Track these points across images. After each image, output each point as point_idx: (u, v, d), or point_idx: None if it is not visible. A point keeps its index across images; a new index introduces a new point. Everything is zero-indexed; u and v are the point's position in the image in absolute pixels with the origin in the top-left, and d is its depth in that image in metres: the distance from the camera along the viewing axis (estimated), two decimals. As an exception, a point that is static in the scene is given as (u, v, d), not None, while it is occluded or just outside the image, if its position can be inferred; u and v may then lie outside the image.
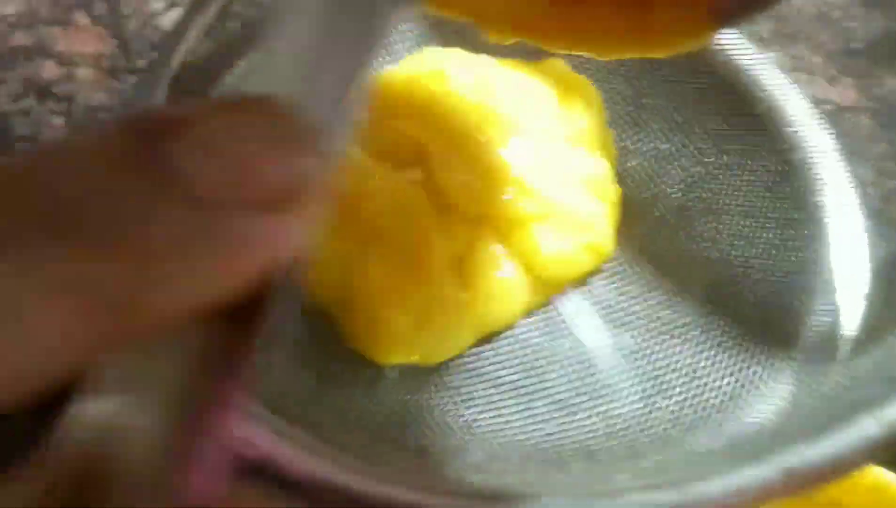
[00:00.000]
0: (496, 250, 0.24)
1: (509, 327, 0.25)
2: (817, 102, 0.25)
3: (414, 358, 0.24)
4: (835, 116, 0.25)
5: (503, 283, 0.24)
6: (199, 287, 0.08)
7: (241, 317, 0.09)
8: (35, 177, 0.08)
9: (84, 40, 0.34)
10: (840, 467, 0.13)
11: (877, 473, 0.21)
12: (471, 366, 0.24)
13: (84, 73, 0.33)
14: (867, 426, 0.13)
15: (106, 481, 0.08)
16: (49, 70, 0.33)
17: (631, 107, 0.28)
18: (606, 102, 0.28)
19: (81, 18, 0.34)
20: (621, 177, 0.28)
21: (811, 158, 0.25)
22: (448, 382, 0.24)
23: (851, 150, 0.25)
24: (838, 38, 0.27)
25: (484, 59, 0.28)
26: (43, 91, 0.33)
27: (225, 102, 0.10)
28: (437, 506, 0.15)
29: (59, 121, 0.32)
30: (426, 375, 0.24)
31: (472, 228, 0.24)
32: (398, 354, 0.24)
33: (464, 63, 0.28)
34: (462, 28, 0.30)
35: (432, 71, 0.28)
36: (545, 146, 0.26)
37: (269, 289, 0.09)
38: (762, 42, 0.26)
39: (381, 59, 0.30)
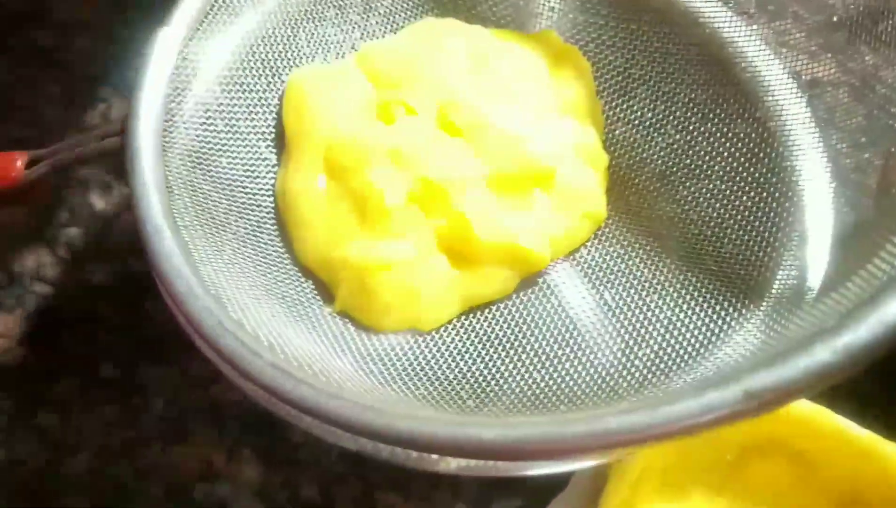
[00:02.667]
0: (494, 231, 0.25)
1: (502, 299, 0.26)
2: (797, 76, 0.26)
3: (406, 326, 0.25)
4: (814, 89, 0.26)
5: (495, 270, 0.26)
6: None
7: None
8: None
9: (82, 7, 0.34)
10: (796, 388, 0.14)
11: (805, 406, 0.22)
12: (462, 325, 0.26)
13: (81, 41, 0.34)
14: (819, 353, 0.14)
15: None
16: (46, 38, 0.34)
17: (619, 77, 0.30)
18: (596, 72, 0.30)
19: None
20: (608, 144, 0.29)
21: (787, 126, 0.26)
22: (440, 338, 0.25)
23: (827, 121, 0.27)
24: (820, 12, 0.28)
25: (478, 29, 0.30)
26: (42, 59, 0.33)
27: None
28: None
29: (56, 89, 0.33)
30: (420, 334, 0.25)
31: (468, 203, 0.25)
32: (390, 323, 0.25)
33: (459, 33, 0.29)
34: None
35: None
36: (538, 114, 0.27)
37: None
38: (749, 16, 0.27)
39: (380, 27, 0.31)
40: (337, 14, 0.30)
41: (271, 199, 0.28)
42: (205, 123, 0.26)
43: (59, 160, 0.26)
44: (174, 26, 0.25)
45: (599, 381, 0.23)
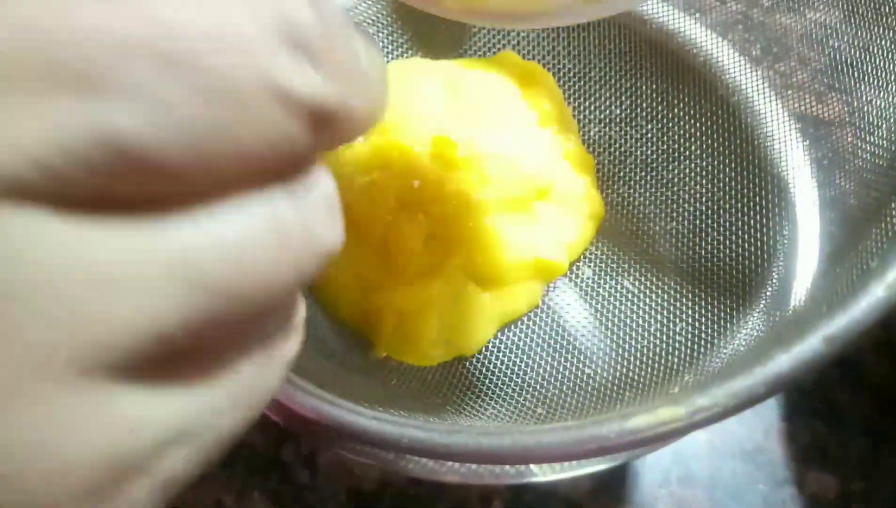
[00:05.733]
0: (514, 252, 0.27)
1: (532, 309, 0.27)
2: (802, 116, 0.28)
3: (451, 356, 0.26)
4: (819, 128, 0.28)
5: (522, 286, 0.27)
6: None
7: None
8: None
9: None
10: (864, 327, 0.16)
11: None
12: (501, 341, 0.27)
13: None
14: (875, 290, 0.17)
15: None
16: None
17: (580, 82, 0.32)
18: (558, 81, 0.32)
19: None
20: (587, 145, 0.31)
21: (749, 98, 0.29)
22: (486, 359, 0.27)
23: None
24: (824, 55, 0.29)
25: (445, 63, 0.31)
26: None
27: None
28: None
29: None
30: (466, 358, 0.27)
31: (485, 231, 0.27)
32: (436, 356, 0.26)
33: (429, 70, 0.31)
34: (415, 36, 0.33)
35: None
36: (524, 132, 0.29)
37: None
38: (754, 60, 0.29)
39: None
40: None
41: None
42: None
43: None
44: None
45: (646, 366, 0.25)
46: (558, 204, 0.28)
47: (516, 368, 0.26)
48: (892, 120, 0.26)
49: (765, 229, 0.27)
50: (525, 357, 0.27)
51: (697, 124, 0.29)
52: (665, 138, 0.30)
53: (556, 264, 0.27)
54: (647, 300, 0.27)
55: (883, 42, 0.27)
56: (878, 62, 0.27)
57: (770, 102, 0.29)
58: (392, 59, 0.32)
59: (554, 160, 0.29)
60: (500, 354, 0.27)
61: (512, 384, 0.26)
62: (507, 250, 0.27)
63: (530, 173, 0.28)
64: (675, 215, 0.29)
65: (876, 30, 0.28)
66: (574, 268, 0.29)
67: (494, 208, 0.27)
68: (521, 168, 0.28)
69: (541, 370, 0.26)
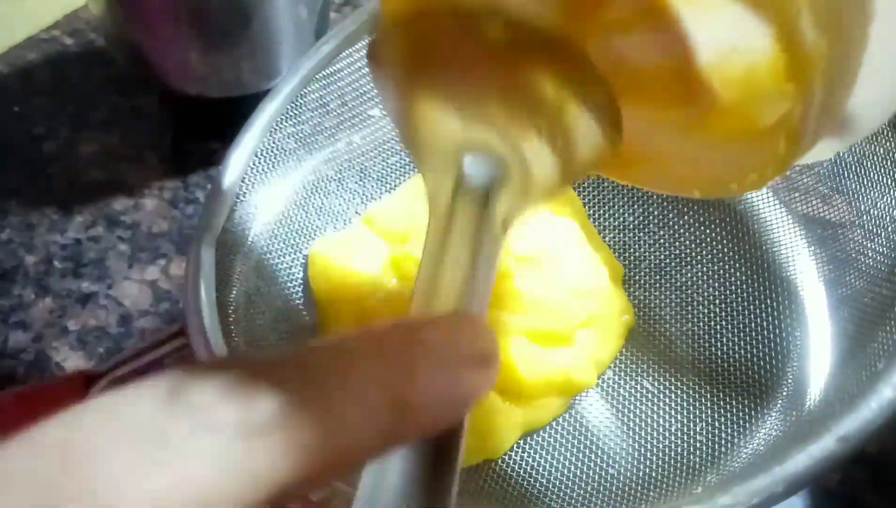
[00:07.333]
0: (542, 374, 0.28)
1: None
2: (808, 218, 0.30)
3: (478, 460, 0.27)
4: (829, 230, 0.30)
5: (547, 401, 0.28)
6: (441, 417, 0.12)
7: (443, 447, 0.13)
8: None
9: (151, 175, 0.38)
10: (874, 426, 0.17)
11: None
12: (528, 444, 0.28)
13: (149, 203, 0.37)
14: (885, 392, 0.17)
15: None
16: (119, 202, 0.37)
17: (595, 191, 0.34)
18: (576, 191, 0.34)
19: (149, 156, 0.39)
20: (602, 250, 0.33)
21: (755, 206, 0.30)
22: (512, 460, 0.27)
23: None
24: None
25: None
26: (112, 220, 0.37)
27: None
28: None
29: (123, 247, 0.36)
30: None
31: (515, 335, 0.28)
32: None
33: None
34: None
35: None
36: (557, 249, 0.30)
37: (462, 426, 0.13)
38: None
39: (376, 190, 0.34)
40: (337, 186, 0.33)
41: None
42: (251, 310, 0.28)
43: (116, 376, 0.27)
44: (207, 244, 0.28)
45: (668, 466, 0.26)
46: (597, 326, 0.29)
47: (541, 469, 0.27)
48: (893, 226, 0.28)
49: (777, 331, 0.29)
50: (550, 458, 0.27)
51: (707, 231, 0.31)
52: (676, 244, 0.31)
53: (585, 382, 0.28)
54: (667, 401, 0.28)
55: (878, 150, 0.29)
56: (877, 169, 0.29)
57: (774, 209, 0.31)
58: (416, 174, 0.35)
59: (597, 282, 0.30)
60: (526, 455, 0.27)
61: (538, 484, 0.26)
62: (533, 367, 0.27)
63: (572, 315, 0.29)
64: (690, 317, 0.30)
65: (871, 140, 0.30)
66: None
67: (528, 336, 0.28)
68: (564, 312, 0.29)
69: (565, 471, 0.27)
